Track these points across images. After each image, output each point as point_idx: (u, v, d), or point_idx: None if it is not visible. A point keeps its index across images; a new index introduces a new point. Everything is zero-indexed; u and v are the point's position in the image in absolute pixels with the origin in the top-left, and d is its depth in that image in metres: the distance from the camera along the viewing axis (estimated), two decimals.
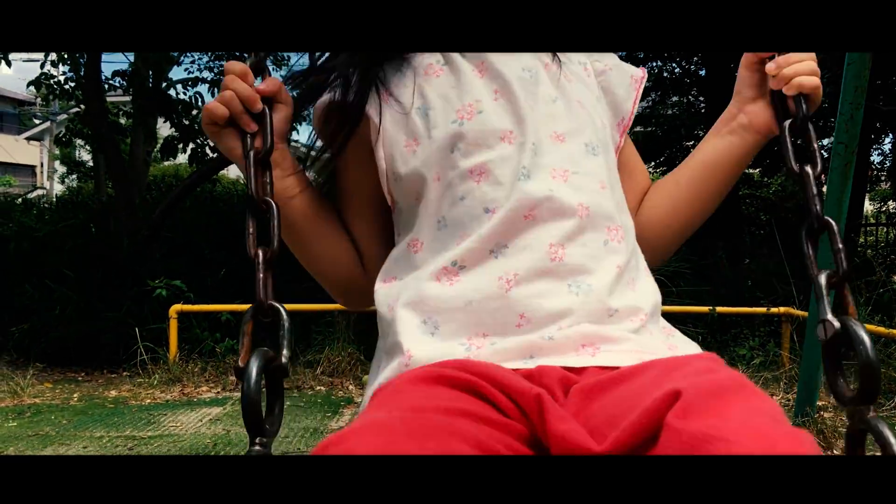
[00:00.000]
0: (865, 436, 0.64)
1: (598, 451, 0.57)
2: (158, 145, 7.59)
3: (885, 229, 11.85)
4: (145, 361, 5.15)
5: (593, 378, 0.68)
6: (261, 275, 0.78)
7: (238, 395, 4.33)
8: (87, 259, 6.49)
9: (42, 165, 32.17)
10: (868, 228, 11.75)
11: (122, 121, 8.23)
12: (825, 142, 11.27)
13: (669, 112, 10.71)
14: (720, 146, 0.88)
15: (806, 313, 4.98)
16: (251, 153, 0.79)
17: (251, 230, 0.78)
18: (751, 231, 8.27)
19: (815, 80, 0.79)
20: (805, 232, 0.77)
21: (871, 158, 12.77)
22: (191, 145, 7.35)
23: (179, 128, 7.07)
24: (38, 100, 39.23)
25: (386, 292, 0.82)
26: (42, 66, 6.33)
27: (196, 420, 3.66)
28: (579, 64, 0.89)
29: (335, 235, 0.89)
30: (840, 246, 0.74)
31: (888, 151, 13.17)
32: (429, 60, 0.84)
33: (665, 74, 10.77)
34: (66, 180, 18.80)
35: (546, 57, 0.86)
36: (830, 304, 0.71)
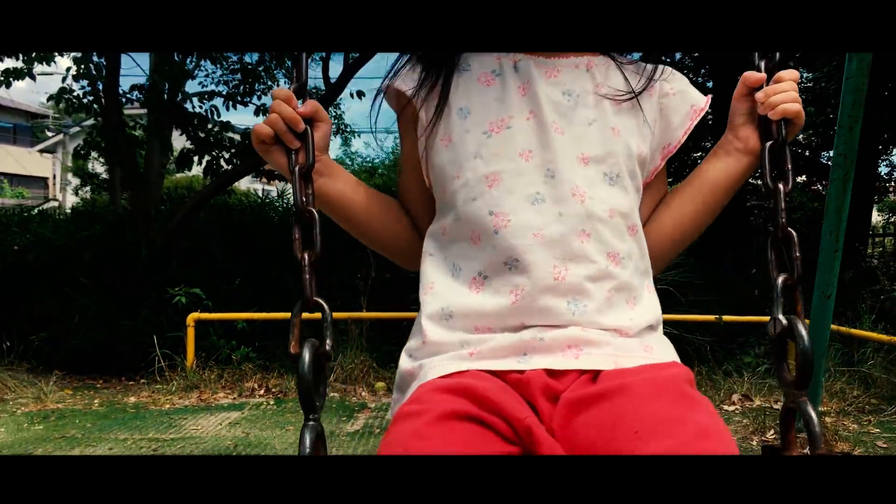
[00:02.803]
0: (795, 413, 0.76)
1: None
2: (174, 157, 7.74)
3: (892, 239, 11.87)
4: (163, 368, 5.28)
5: (577, 392, 0.81)
6: (307, 276, 0.90)
7: (255, 400, 4.44)
8: (105, 268, 6.63)
9: (55, 177, 32.51)
10: (876, 239, 11.81)
11: (137, 133, 8.38)
12: (829, 153, 11.35)
13: None
14: (720, 167, 0.97)
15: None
16: (296, 168, 0.89)
17: (297, 236, 0.90)
18: (759, 241, 8.33)
19: (797, 106, 0.90)
20: (771, 241, 0.88)
21: (879, 170, 12.85)
22: (206, 158, 7.51)
23: (195, 140, 7.23)
24: (52, 112, 39.72)
25: (423, 284, 0.95)
26: (63, 80, 6.50)
27: (216, 423, 3.77)
28: (651, 81, 0.98)
29: (393, 216, 1.02)
30: (797, 254, 0.86)
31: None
32: (485, 69, 0.96)
33: None
34: (79, 192, 18.98)
35: (600, 76, 0.96)
36: (782, 304, 0.84)
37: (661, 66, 1.00)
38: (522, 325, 0.86)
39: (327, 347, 0.86)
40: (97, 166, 20.72)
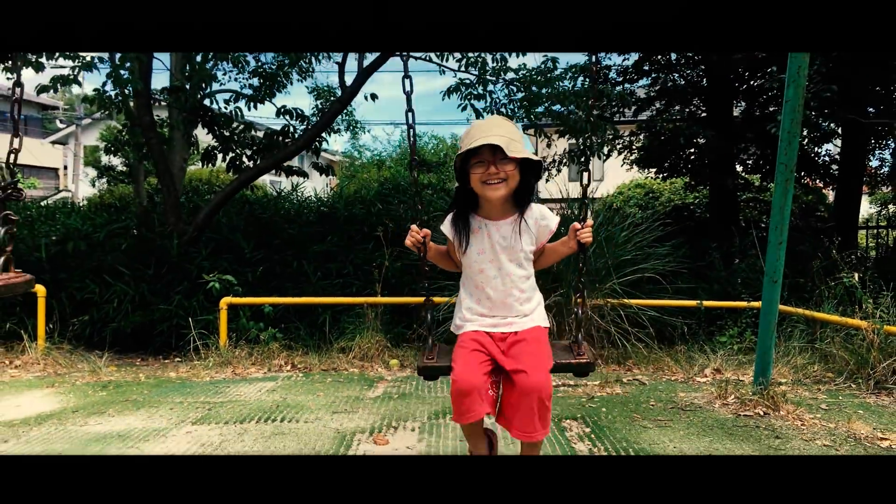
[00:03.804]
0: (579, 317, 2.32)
1: (508, 368, 2.19)
2: (199, 154, 8.30)
3: (885, 231, 12.44)
4: (198, 347, 5.86)
5: (510, 340, 2.30)
6: (427, 315, 2.51)
7: (284, 374, 5.01)
8: (139, 258, 7.21)
9: (66, 168, 33.10)
10: (877, 230, 12.40)
11: (164, 131, 8.96)
12: (820, 149, 11.87)
13: (674, 118, 11.27)
14: (561, 250, 2.40)
15: (785, 307, 5.65)
16: (421, 255, 2.41)
17: (425, 282, 2.51)
18: (742, 232, 8.89)
19: (591, 238, 2.33)
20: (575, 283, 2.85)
21: (871, 164, 13.37)
22: (229, 154, 8.08)
23: (220, 138, 7.79)
24: (62, 105, 40.00)
25: (460, 298, 2.45)
26: (103, 86, 7.06)
27: (255, 391, 4.36)
28: (535, 220, 2.33)
29: (449, 258, 2.48)
30: (584, 258, 2.45)
31: (888, 157, 13.69)
32: (476, 225, 2.35)
33: (669, 85, 11.33)
34: (95, 183, 19.57)
35: (518, 227, 2.32)
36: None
37: (539, 212, 2.35)
38: (494, 315, 2.33)
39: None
40: (113, 159, 21.26)
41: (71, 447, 3.10)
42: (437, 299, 5.86)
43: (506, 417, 2.17)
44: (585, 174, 2.36)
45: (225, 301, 5.94)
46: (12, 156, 2.19)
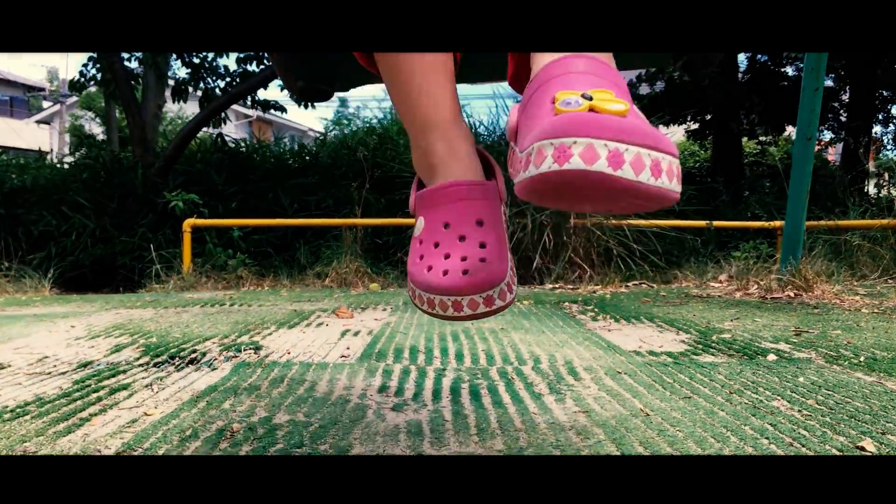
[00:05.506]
0: None
1: None
2: (170, 88, 7.76)
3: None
4: (159, 272, 5.34)
5: None
6: None
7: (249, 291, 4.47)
8: (103, 190, 6.69)
9: (52, 151, 32.45)
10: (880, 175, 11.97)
11: (133, 65, 8.42)
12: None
13: (673, 69, 10.79)
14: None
15: (810, 222, 5.15)
16: None
17: None
18: (751, 168, 8.43)
19: None
20: None
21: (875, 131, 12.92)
22: (201, 86, 7.54)
23: (190, 66, 7.25)
24: (49, 86, 39.32)
25: None
26: None
27: (211, 295, 3.85)
28: None
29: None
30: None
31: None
32: None
33: None
34: (76, 153, 19.00)
35: None
36: None
37: None
38: None
39: None
40: (94, 127, 20.69)
41: None
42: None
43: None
44: None
45: (189, 223, 5.41)
46: None
